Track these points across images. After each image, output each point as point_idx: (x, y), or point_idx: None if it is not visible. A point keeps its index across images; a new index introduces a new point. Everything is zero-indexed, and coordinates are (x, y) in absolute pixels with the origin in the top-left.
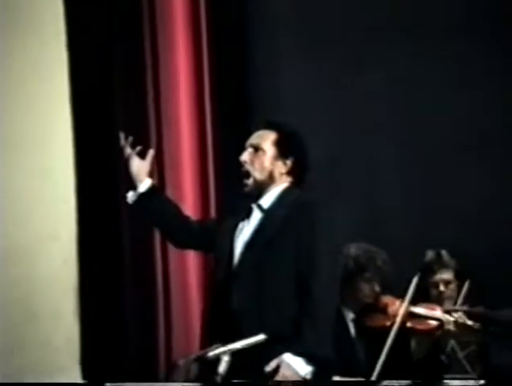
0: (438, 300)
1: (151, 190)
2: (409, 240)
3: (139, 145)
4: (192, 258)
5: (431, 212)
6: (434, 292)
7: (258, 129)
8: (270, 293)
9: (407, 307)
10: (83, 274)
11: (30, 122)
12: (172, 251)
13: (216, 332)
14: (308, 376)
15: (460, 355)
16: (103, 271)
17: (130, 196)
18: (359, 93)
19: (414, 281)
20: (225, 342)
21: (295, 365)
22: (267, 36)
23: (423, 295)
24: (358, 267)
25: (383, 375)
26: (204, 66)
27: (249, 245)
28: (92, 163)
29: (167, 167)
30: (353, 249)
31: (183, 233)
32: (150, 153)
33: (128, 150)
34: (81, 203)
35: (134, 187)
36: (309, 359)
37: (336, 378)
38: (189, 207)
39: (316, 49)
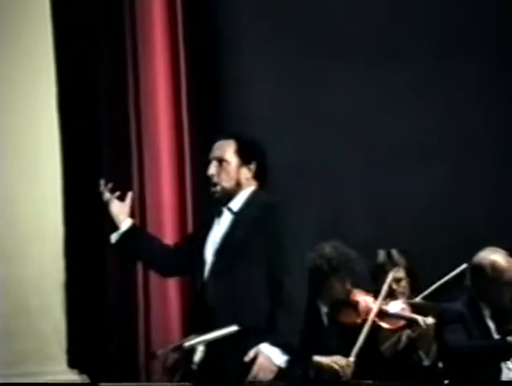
0: (391, 297)
1: (133, 229)
2: (368, 238)
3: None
4: None
5: (388, 213)
6: (387, 290)
7: (216, 140)
8: (243, 290)
9: (378, 305)
10: (69, 271)
11: (17, 124)
12: None
13: (195, 328)
14: (283, 365)
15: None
16: (88, 268)
17: (113, 237)
18: (324, 102)
19: (388, 280)
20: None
21: (272, 355)
22: (238, 50)
23: (378, 293)
24: (332, 268)
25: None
26: (182, 83)
27: (222, 247)
28: (77, 164)
29: (146, 176)
30: (326, 250)
31: (169, 264)
32: (129, 195)
33: (107, 195)
34: (68, 203)
35: (115, 229)
36: (284, 349)
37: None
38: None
39: (286, 61)
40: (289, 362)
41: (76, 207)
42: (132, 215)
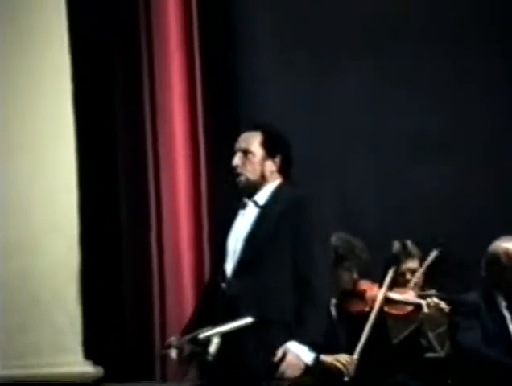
0: (404, 287)
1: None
2: (381, 231)
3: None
4: (186, 245)
5: (401, 206)
6: (401, 280)
7: (243, 131)
8: (269, 282)
9: (384, 293)
10: (85, 262)
11: (33, 118)
12: (166, 238)
13: (214, 319)
14: (310, 363)
15: (430, 335)
16: (103, 258)
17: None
18: (338, 96)
19: (391, 271)
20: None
21: (300, 353)
22: (253, 46)
23: (392, 283)
24: (338, 257)
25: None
26: (197, 81)
27: (249, 239)
28: (93, 155)
29: (162, 170)
30: (332, 240)
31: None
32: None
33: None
34: (83, 193)
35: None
36: (312, 347)
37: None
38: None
39: (298, 56)
40: (316, 359)
41: (91, 200)
42: (147, 212)
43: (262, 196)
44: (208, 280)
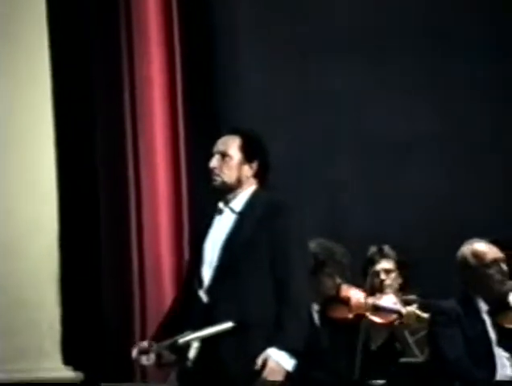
0: (380, 288)
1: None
2: (365, 234)
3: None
4: (166, 247)
5: (387, 211)
6: (376, 280)
7: (224, 134)
8: (248, 288)
9: (369, 300)
10: (64, 266)
11: (13, 122)
12: (147, 242)
13: (192, 325)
14: (291, 369)
15: (410, 340)
16: (83, 262)
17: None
18: (322, 98)
19: (368, 274)
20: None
21: (280, 359)
22: (235, 47)
23: (371, 291)
24: (318, 263)
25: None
26: (177, 76)
27: (227, 245)
28: (72, 160)
29: (142, 172)
30: (312, 246)
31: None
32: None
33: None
34: (63, 199)
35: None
36: (292, 353)
37: None
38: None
39: (281, 57)
40: (296, 366)
41: (72, 203)
42: (127, 213)
43: (239, 202)
44: (182, 286)
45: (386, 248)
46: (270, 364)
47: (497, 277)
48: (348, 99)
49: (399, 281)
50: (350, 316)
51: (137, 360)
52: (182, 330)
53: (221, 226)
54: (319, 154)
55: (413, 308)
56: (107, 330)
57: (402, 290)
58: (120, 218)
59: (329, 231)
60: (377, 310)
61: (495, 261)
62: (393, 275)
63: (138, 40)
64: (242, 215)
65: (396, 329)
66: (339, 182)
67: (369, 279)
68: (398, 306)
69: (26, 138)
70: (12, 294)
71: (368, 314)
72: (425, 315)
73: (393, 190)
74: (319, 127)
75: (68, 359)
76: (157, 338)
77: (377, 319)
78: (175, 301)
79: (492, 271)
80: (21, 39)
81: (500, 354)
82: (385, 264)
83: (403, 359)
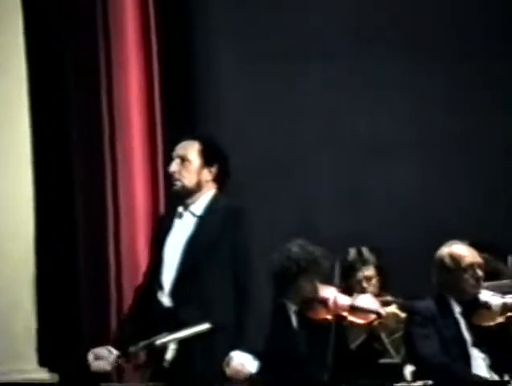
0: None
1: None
2: (339, 234)
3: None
4: (143, 247)
5: (356, 211)
6: (358, 288)
7: (182, 140)
8: (210, 291)
9: (348, 301)
10: (40, 268)
11: None
12: (124, 245)
13: (154, 328)
14: (254, 371)
15: (386, 341)
16: (59, 265)
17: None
18: (296, 100)
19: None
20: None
21: (244, 361)
22: (211, 52)
23: (349, 291)
24: (300, 269)
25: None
26: (155, 79)
27: (187, 249)
28: (48, 164)
29: (120, 166)
30: (293, 250)
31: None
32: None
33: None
34: (39, 202)
35: None
36: (255, 355)
37: None
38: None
39: (255, 62)
40: (260, 367)
41: (47, 207)
42: (105, 217)
43: (199, 206)
44: (141, 290)
45: (365, 252)
46: (233, 365)
47: (471, 281)
48: (322, 101)
49: (379, 285)
50: (329, 317)
51: (91, 365)
52: (141, 334)
53: (182, 230)
54: (292, 156)
55: (392, 308)
56: (83, 332)
57: (381, 293)
58: (97, 221)
59: (303, 232)
60: (355, 310)
61: (471, 266)
62: (374, 281)
63: (116, 43)
64: (203, 219)
65: (374, 329)
66: (312, 184)
67: (346, 284)
68: (377, 307)
69: (1, 143)
70: None
71: (346, 314)
72: (404, 315)
73: (367, 191)
74: (292, 129)
75: (44, 360)
76: (115, 341)
77: (356, 320)
78: (133, 305)
79: (467, 275)
80: None
81: (475, 354)
82: (366, 272)
83: (381, 360)
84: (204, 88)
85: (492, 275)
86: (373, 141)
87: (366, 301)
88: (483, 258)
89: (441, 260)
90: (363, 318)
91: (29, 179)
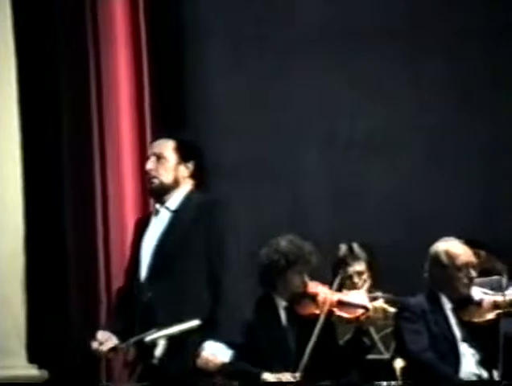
0: (356, 289)
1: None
2: (331, 232)
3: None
4: None
5: (350, 210)
6: (348, 283)
7: (157, 139)
8: (184, 286)
9: (336, 296)
10: (29, 264)
11: None
12: (113, 242)
13: (131, 327)
14: (228, 360)
15: (376, 337)
16: (48, 262)
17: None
18: (285, 96)
19: (340, 274)
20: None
21: (216, 351)
22: (201, 46)
23: (340, 286)
24: (289, 262)
25: (312, 361)
26: (145, 78)
27: (161, 245)
28: (37, 159)
29: (109, 169)
30: (282, 244)
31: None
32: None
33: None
34: (28, 198)
35: None
36: (229, 345)
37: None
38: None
39: (245, 58)
40: (234, 357)
41: (37, 202)
42: (94, 211)
43: (174, 201)
44: (122, 289)
45: (356, 248)
46: (204, 356)
47: (464, 281)
48: (313, 98)
49: (370, 281)
50: (317, 312)
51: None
52: (124, 330)
53: (157, 225)
54: (282, 152)
55: (380, 302)
56: (72, 329)
57: (371, 288)
58: (86, 216)
59: (293, 228)
60: (343, 305)
61: (466, 265)
62: (364, 276)
63: (105, 44)
64: (177, 214)
65: (363, 324)
66: (302, 179)
67: (338, 279)
68: (365, 301)
69: None
70: None
71: (335, 309)
72: (392, 310)
73: (357, 187)
74: (282, 125)
75: (33, 357)
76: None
77: (344, 314)
78: (115, 304)
79: (461, 274)
80: None
81: (465, 350)
82: (357, 267)
83: (370, 356)
84: (193, 82)
85: (489, 272)
86: (365, 137)
87: (354, 296)
88: (480, 255)
89: (436, 256)
90: (351, 313)
91: (17, 173)
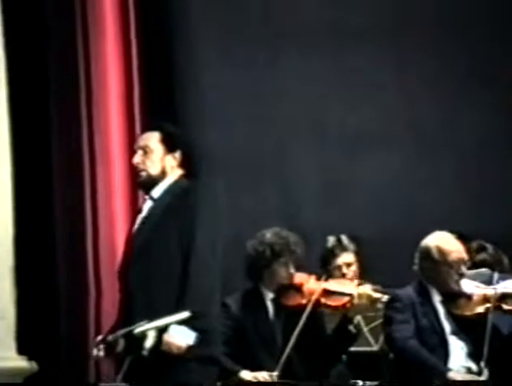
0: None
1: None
2: (319, 227)
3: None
4: (121, 240)
5: (340, 202)
6: (337, 274)
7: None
8: (158, 273)
9: (321, 285)
10: (19, 256)
11: None
12: (102, 229)
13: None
14: (192, 342)
15: (365, 329)
16: (37, 253)
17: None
18: (278, 87)
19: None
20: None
21: (179, 333)
22: (190, 39)
23: (328, 278)
24: (274, 253)
25: (297, 350)
26: (134, 71)
27: (138, 232)
28: (27, 154)
29: (98, 163)
30: (267, 236)
31: None
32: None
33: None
34: (17, 190)
35: None
36: (192, 327)
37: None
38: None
39: (238, 48)
40: (199, 340)
41: (26, 193)
42: (83, 205)
43: (158, 190)
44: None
45: (345, 240)
46: (167, 338)
47: (455, 277)
48: (304, 91)
49: (358, 271)
50: (303, 302)
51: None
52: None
53: (142, 214)
54: (273, 144)
55: (365, 288)
56: (62, 320)
57: (360, 279)
58: (74, 210)
59: (283, 219)
60: (329, 294)
61: (457, 262)
62: (353, 267)
63: (94, 37)
64: (157, 201)
65: (349, 311)
66: (292, 171)
67: (326, 270)
68: (350, 289)
69: None
70: None
71: (320, 299)
72: (377, 295)
73: (346, 180)
74: (272, 117)
75: (23, 348)
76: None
77: (330, 303)
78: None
79: (452, 271)
80: None
81: (454, 343)
82: (345, 258)
83: (355, 349)
84: (184, 76)
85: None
86: (357, 129)
87: (339, 284)
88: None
89: (427, 250)
90: (336, 301)
91: (7, 169)
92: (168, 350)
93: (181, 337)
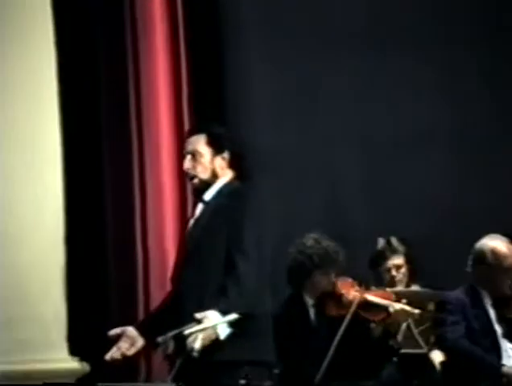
0: (391, 283)
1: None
2: (365, 228)
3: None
4: (171, 241)
5: (386, 203)
6: (387, 276)
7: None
8: (208, 274)
9: (362, 296)
10: (70, 257)
11: (17, 113)
12: (151, 234)
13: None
14: (223, 337)
15: (415, 331)
16: (88, 254)
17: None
18: (324, 88)
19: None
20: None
21: (213, 318)
22: (239, 38)
23: (378, 280)
24: (314, 264)
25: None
26: (183, 75)
27: (190, 233)
28: (77, 152)
29: (147, 166)
30: (307, 245)
31: None
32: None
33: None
34: (68, 189)
35: None
36: (240, 329)
37: None
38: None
39: (287, 50)
40: (231, 336)
41: (77, 194)
42: (132, 201)
43: (210, 193)
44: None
45: (395, 242)
46: (204, 323)
47: (509, 281)
48: (350, 94)
49: (408, 274)
50: (344, 313)
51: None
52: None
53: (194, 217)
54: (320, 148)
55: (401, 305)
56: (112, 321)
57: (409, 283)
58: (125, 209)
59: (329, 223)
60: (368, 306)
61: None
62: (403, 270)
63: (143, 36)
64: (207, 204)
65: (389, 326)
66: (338, 174)
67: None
68: (387, 303)
69: (29, 130)
70: (17, 286)
71: (359, 311)
72: (415, 311)
73: (394, 182)
74: (321, 122)
75: (74, 349)
76: (142, 325)
77: (368, 316)
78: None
79: (505, 276)
80: (27, 42)
81: (505, 346)
82: (395, 260)
83: (406, 351)
84: (232, 80)
85: None
86: (404, 131)
87: (380, 296)
88: None
89: (482, 254)
90: (374, 315)
91: (58, 169)
92: (202, 338)
93: (219, 329)
